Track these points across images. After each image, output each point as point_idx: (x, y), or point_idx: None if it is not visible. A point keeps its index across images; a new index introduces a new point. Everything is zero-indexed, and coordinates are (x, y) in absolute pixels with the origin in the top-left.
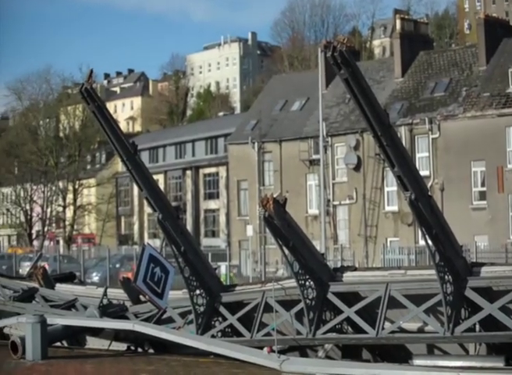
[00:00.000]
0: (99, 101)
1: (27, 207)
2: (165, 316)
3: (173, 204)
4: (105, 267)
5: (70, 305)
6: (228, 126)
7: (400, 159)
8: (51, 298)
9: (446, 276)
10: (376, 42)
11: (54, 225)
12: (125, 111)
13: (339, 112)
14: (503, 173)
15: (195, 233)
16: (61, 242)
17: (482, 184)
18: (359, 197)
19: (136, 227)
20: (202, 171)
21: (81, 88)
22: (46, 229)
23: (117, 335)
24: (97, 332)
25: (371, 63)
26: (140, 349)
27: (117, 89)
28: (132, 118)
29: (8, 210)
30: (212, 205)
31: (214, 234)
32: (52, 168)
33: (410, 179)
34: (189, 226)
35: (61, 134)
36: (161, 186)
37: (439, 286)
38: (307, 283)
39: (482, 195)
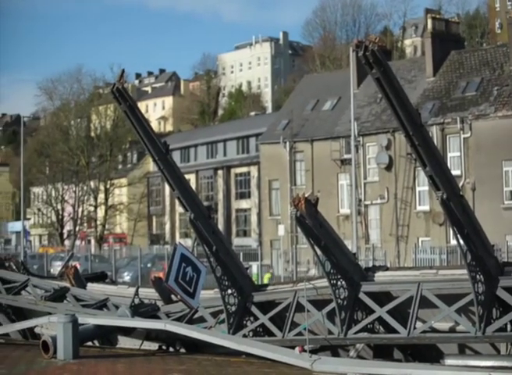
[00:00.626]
0: (131, 100)
1: (59, 207)
2: (196, 316)
3: (205, 203)
4: (137, 267)
5: (102, 305)
6: (259, 126)
7: (432, 159)
8: (82, 297)
9: (478, 276)
10: (407, 41)
11: (85, 224)
12: (156, 111)
13: (370, 112)
14: None
15: (227, 232)
16: (92, 242)
17: None
18: (390, 196)
19: (167, 227)
20: (234, 171)
21: (113, 88)
22: (77, 228)
23: (148, 335)
24: (128, 331)
25: (403, 63)
26: (171, 349)
27: (148, 89)
28: (163, 118)
29: (39, 210)
30: (244, 204)
31: (245, 234)
32: (84, 168)
33: (441, 178)
34: (220, 226)
35: (92, 134)
36: (193, 186)
37: (471, 285)
38: (339, 282)
39: None
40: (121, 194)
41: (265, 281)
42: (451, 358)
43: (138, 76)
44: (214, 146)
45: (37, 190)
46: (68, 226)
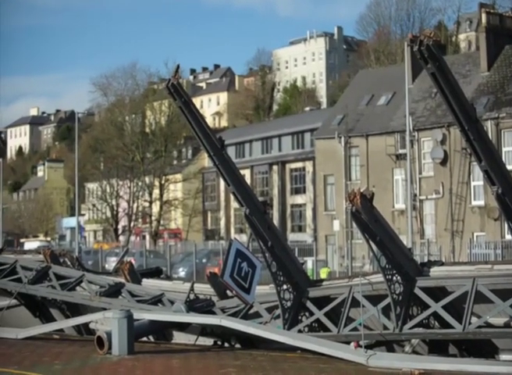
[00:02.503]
0: (186, 96)
1: (113, 202)
2: (251, 311)
3: (260, 199)
4: (192, 262)
5: (157, 300)
6: (314, 121)
7: (487, 153)
8: (137, 293)
9: None
10: (462, 36)
11: (140, 220)
12: (211, 106)
13: (425, 107)
14: None
15: (282, 228)
16: (147, 237)
17: None
18: (445, 191)
19: (222, 222)
20: (289, 166)
21: (168, 84)
22: (132, 224)
23: (204, 330)
24: (183, 327)
25: (457, 57)
26: (226, 344)
27: (203, 84)
28: (218, 113)
29: (94, 205)
30: (299, 199)
31: (300, 229)
32: (138, 163)
33: (497, 173)
34: (275, 221)
35: (147, 130)
36: (248, 181)
37: None
38: (394, 278)
39: None
40: (176, 189)
41: (323, 276)
42: (506, 353)
43: (193, 71)
44: (269, 141)
45: (91, 186)
46: (122, 222)
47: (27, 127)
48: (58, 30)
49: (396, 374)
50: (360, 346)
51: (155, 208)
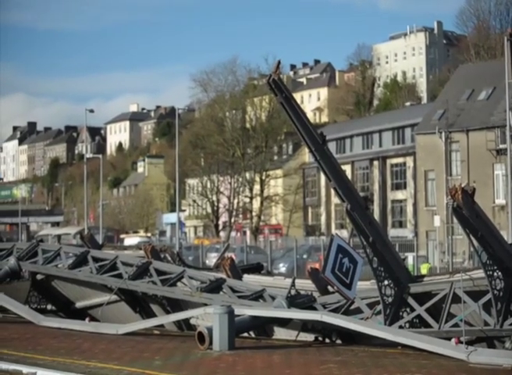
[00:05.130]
0: (287, 92)
1: (214, 198)
2: (353, 307)
3: (360, 194)
4: (292, 258)
5: (258, 296)
6: (415, 116)
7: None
8: (238, 288)
9: None
10: None
11: (240, 216)
12: (311, 102)
13: None
14: None
15: (382, 223)
16: (248, 233)
17: None
18: None
19: (323, 218)
20: (389, 161)
21: (268, 79)
22: (233, 220)
23: (305, 326)
24: (284, 323)
25: None
26: (327, 340)
27: (303, 80)
28: (318, 109)
29: (194, 201)
30: (399, 195)
31: (401, 225)
32: (239, 159)
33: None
34: (376, 217)
35: (247, 126)
36: (349, 176)
37: None
38: (495, 273)
39: None
40: (276, 185)
41: (424, 271)
42: None
43: (293, 67)
44: (369, 137)
45: (192, 181)
46: (223, 218)
47: (127, 123)
48: (159, 27)
49: (496, 370)
50: (461, 342)
51: (256, 203)
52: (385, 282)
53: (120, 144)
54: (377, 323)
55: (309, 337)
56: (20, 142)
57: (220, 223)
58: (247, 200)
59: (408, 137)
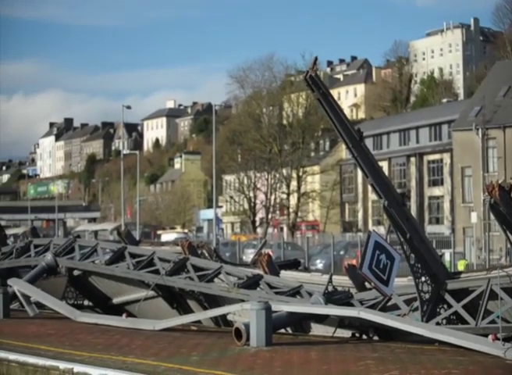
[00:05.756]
0: (324, 88)
1: (251, 194)
2: (390, 303)
3: (397, 191)
4: (329, 254)
5: (295, 292)
6: (451, 113)
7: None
8: (275, 284)
9: None
10: None
11: (278, 212)
12: (348, 98)
13: None
14: None
15: (419, 220)
16: (285, 229)
17: None
18: None
19: (360, 214)
20: (426, 158)
21: (306, 76)
22: (270, 216)
23: (342, 322)
24: (321, 319)
25: None
26: (364, 336)
27: (340, 76)
28: (355, 105)
29: (231, 197)
30: (436, 191)
31: (438, 221)
32: (276, 155)
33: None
34: (413, 213)
35: (284, 122)
36: (386, 173)
37: None
38: None
39: None
40: (313, 181)
41: (461, 268)
42: None
43: (330, 63)
44: (406, 133)
45: (229, 178)
46: (260, 214)
47: (164, 120)
48: (196, 23)
49: None
50: (498, 339)
51: (293, 200)
52: (423, 278)
53: (157, 141)
54: (414, 320)
55: (346, 333)
56: (57, 138)
57: (257, 219)
58: (284, 196)
59: (445, 134)
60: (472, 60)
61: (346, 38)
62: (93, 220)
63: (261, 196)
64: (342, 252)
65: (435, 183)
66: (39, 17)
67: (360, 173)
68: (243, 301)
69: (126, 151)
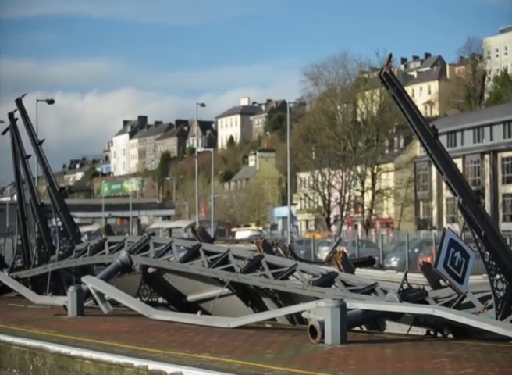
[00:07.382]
0: (398, 85)
1: (325, 192)
2: (464, 301)
3: (472, 188)
4: (404, 252)
5: (370, 290)
6: None
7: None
8: (350, 282)
9: None
10: None
11: (352, 210)
12: (422, 95)
13: None
14: None
15: (493, 217)
16: (359, 227)
17: None
18: None
19: (434, 212)
20: (500, 155)
21: (380, 73)
22: (344, 213)
23: (416, 320)
24: (396, 316)
25: None
26: (439, 334)
27: (414, 73)
28: (429, 102)
29: (306, 195)
30: (511, 189)
31: None
32: (350, 153)
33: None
34: (487, 211)
35: (358, 119)
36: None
37: None
38: None
39: None
40: (388, 179)
41: None
42: None
43: (403, 60)
44: (480, 130)
45: (303, 175)
46: (334, 212)
47: (238, 117)
48: (270, 21)
49: None
50: None
51: (367, 197)
52: (497, 276)
53: (231, 138)
54: (489, 318)
55: (421, 331)
56: (131, 136)
57: (331, 216)
58: (359, 194)
59: None
60: None
61: (419, 35)
62: (167, 218)
63: (335, 193)
64: (416, 250)
65: (509, 180)
66: (113, 15)
67: (434, 171)
68: (317, 298)
69: (200, 149)
